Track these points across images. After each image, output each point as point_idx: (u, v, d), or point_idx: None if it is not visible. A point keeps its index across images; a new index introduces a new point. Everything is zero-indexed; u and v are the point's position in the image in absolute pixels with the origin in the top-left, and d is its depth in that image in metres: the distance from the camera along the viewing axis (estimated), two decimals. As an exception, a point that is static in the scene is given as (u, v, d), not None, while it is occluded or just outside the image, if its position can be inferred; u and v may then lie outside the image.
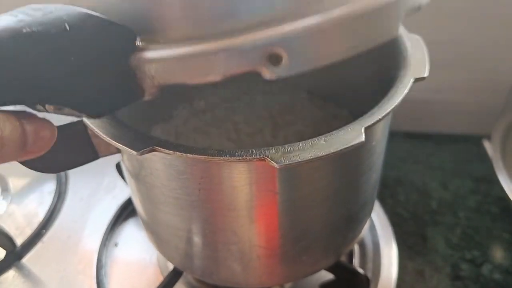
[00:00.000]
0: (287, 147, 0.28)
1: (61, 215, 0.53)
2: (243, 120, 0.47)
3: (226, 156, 0.28)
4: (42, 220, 0.52)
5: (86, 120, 0.31)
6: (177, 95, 0.49)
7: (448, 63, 0.62)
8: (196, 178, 0.31)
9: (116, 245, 0.51)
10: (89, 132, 0.33)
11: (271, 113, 0.48)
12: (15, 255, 0.49)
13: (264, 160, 0.28)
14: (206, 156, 0.28)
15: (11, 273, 0.48)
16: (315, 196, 0.33)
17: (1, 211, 0.54)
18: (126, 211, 0.53)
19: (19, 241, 0.50)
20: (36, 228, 0.52)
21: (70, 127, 0.33)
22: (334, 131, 0.29)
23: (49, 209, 0.53)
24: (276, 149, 0.28)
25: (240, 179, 0.31)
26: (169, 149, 0.28)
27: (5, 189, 0.57)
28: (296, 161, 0.27)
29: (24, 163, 0.34)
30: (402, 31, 0.38)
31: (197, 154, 0.28)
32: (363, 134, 0.29)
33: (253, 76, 0.50)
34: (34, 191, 0.56)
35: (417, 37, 0.37)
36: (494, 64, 0.61)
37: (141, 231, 0.51)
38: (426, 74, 0.33)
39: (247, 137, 0.46)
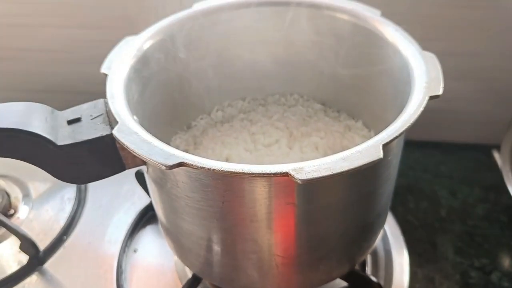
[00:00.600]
0: (309, 163, 0.30)
1: (81, 221, 0.55)
2: (260, 130, 0.49)
3: (251, 172, 0.29)
4: (63, 226, 0.54)
5: (115, 134, 0.33)
6: (195, 106, 0.50)
7: (458, 73, 0.63)
8: (220, 191, 0.33)
9: (135, 251, 0.52)
10: (117, 145, 0.35)
11: (287, 124, 0.49)
12: (38, 260, 0.51)
13: (287, 175, 0.29)
14: (232, 171, 0.29)
15: (33, 278, 0.50)
16: (333, 208, 0.35)
17: (23, 216, 0.56)
18: (144, 218, 0.55)
19: (41, 246, 0.52)
20: (57, 234, 0.53)
21: (99, 140, 0.35)
22: (353, 148, 0.31)
23: (70, 215, 0.55)
24: (298, 165, 0.30)
25: (262, 192, 0.32)
26: (196, 165, 0.30)
27: (26, 195, 0.59)
28: (317, 176, 0.29)
29: (52, 173, 0.36)
30: (416, 48, 0.39)
31: (224, 169, 0.30)
32: (381, 151, 0.30)
33: (269, 88, 0.52)
34: (55, 197, 0.58)
35: (431, 54, 0.39)
36: (504, 75, 0.62)
37: (160, 238, 0.53)
38: (440, 92, 0.35)
39: (264, 147, 0.47)
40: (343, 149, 0.47)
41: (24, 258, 0.51)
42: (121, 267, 0.50)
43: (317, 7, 0.45)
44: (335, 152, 0.46)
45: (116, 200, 0.57)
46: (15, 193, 0.58)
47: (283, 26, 0.47)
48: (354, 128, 0.49)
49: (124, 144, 0.32)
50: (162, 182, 0.36)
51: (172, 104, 0.47)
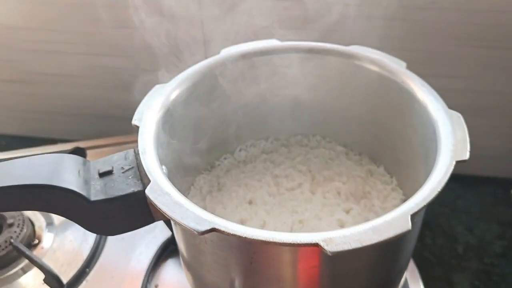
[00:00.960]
0: (338, 233, 0.30)
1: (104, 254, 0.56)
2: (283, 173, 0.49)
3: (282, 242, 0.30)
4: (86, 259, 0.55)
5: (148, 194, 0.34)
6: (219, 147, 0.51)
7: (478, 109, 0.63)
8: (249, 253, 0.33)
9: (156, 286, 0.53)
10: (148, 201, 0.36)
11: (309, 167, 0.50)
12: (62, 292, 0.52)
13: (317, 246, 0.30)
14: (263, 240, 0.30)
15: (58, 311, 0.51)
16: (357, 271, 0.35)
17: (47, 245, 0.57)
18: (165, 252, 0.56)
19: (64, 278, 0.53)
20: (81, 267, 0.54)
21: (131, 196, 0.36)
22: (382, 217, 0.31)
23: (92, 247, 0.56)
24: (328, 235, 0.30)
25: (290, 257, 0.33)
26: (228, 232, 0.31)
27: (50, 223, 0.60)
28: (347, 249, 0.29)
29: (83, 226, 0.37)
30: (442, 106, 0.40)
31: (255, 238, 0.30)
32: (410, 223, 0.31)
33: (291, 129, 0.52)
34: (78, 227, 0.59)
35: (457, 114, 0.39)
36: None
37: (181, 273, 0.53)
38: (467, 157, 0.35)
39: (287, 191, 0.48)
40: (365, 195, 0.47)
41: (47, 290, 0.52)
42: (142, 302, 0.51)
43: (345, 56, 0.46)
44: (357, 198, 0.47)
45: (138, 232, 0.57)
46: (39, 221, 0.59)
47: (309, 72, 0.48)
48: (376, 173, 0.49)
49: (156, 206, 0.33)
50: (190, 238, 0.37)
51: (197, 147, 0.48)
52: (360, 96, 0.47)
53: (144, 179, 0.36)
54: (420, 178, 0.42)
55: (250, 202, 0.47)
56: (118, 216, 0.36)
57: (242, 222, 0.46)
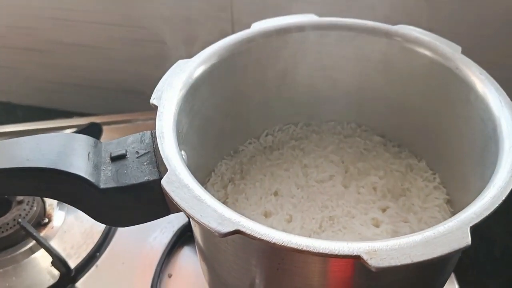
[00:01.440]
0: (383, 244, 0.26)
1: (116, 238, 0.53)
2: (313, 163, 0.45)
3: (317, 251, 0.26)
4: (97, 242, 0.52)
5: (164, 186, 0.30)
6: (244, 130, 0.47)
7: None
8: (277, 259, 0.29)
9: (169, 276, 0.50)
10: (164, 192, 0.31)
11: (342, 157, 0.45)
12: (69, 278, 0.49)
13: (358, 258, 0.26)
14: (296, 248, 0.26)
15: (64, 296, 0.48)
16: (397, 285, 0.31)
17: (57, 224, 0.54)
18: (181, 239, 0.52)
19: (73, 262, 0.50)
20: (91, 251, 0.51)
21: (145, 185, 0.32)
22: (435, 227, 0.27)
23: (104, 230, 0.53)
24: (371, 246, 0.26)
25: (322, 266, 0.29)
26: (254, 235, 0.26)
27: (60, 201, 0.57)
28: (395, 265, 0.25)
29: (92, 216, 0.33)
30: (504, 99, 0.35)
31: (286, 245, 0.26)
32: (469, 236, 0.26)
33: (324, 114, 0.47)
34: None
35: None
36: None
37: (196, 263, 0.50)
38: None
39: (317, 183, 0.43)
40: (404, 193, 0.43)
41: (57, 273, 0.49)
42: (154, 293, 0.48)
43: (391, 37, 0.41)
44: (394, 196, 0.42)
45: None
46: (50, 199, 0.56)
47: (349, 53, 0.43)
48: (417, 168, 0.44)
49: (173, 200, 0.29)
50: (210, 233, 0.33)
51: (220, 129, 0.43)
52: (405, 82, 0.42)
53: (160, 167, 0.32)
54: (470, 179, 0.38)
55: (275, 194, 0.43)
56: (130, 206, 0.33)
57: (266, 215, 0.42)
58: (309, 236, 0.40)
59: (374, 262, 0.25)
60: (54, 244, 0.52)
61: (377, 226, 0.40)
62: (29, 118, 0.69)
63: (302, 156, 0.46)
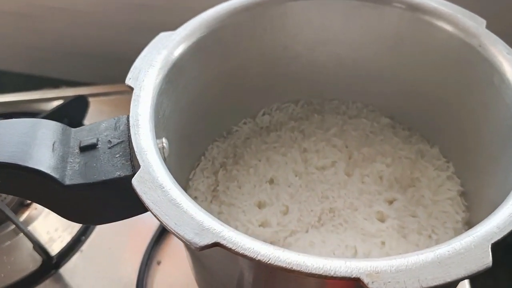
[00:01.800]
0: (387, 263, 0.22)
1: (102, 221, 0.49)
2: (314, 147, 0.41)
3: (310, 272, 0.22)
4: (82, 225, 0.48)
5: (135, 185, 0.26)
6: (238, 109, 0.42)
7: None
8: (264, 274, 0.25)
9: (158, 263, 0.46)
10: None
11: (346, 141, 0.41)
12: (51, 265, 0.46)
13: (358, 281, 0.22)
14: (286, 268, 0.22)
15: (47, 283, 0.45)
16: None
17: (40, 206, 0.50)
18: (171, 224, 0.49)
19: (56, 247, 0.47)
20: (76, 234, 0.48)
21: (116, 181, 0.28)
22: (449, 243, 0.23)
23: (90, 212, 0.49)
24: (373, 265, 0.22)
25: (316, 285, 0.25)
26: (236, 250, 0.23)
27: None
28: (401, 290, 0.21)
29: (60, 214, 0.29)
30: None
31: (274, 263, 0.22)
32: (490, 255, 0.22)
33: (327, 92, 0.43)
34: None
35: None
36: None
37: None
38: None
39: (317, 171, 0.39)
40: (413, 183, 0.39)
41: (39, 258, 0.46)
42: (142, 280, 0.45)
43: (407, 8, 0.35)
44: (402, 186, 0.38)
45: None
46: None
47: (357, 25, 0.38)
48: (428, 155, 0.40)
49: (144, 203, 0.25)
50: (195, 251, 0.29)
51: (212, 109, 0.39)
52: (418, 60, 0.37)
53: (134, 160, 0.28)
54: (489, 170, 0.34)
55: (271, 182, 0.39)
56: (100, 204, 0.29)
57: (260, 206, 0.38)
58: (307, 231, 0.36)
59: (377, 286, 0.21)
60: (37, 226, 0.49)
61: (382, 220, 0.37)
62: (14, 85, 0.65)
63: (302, 139, 0.42)
